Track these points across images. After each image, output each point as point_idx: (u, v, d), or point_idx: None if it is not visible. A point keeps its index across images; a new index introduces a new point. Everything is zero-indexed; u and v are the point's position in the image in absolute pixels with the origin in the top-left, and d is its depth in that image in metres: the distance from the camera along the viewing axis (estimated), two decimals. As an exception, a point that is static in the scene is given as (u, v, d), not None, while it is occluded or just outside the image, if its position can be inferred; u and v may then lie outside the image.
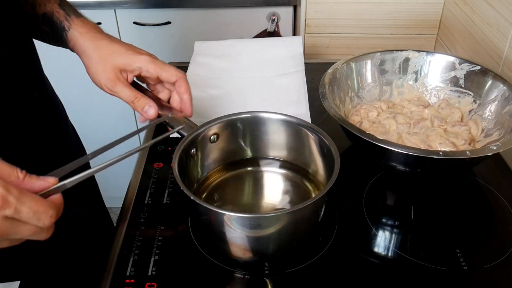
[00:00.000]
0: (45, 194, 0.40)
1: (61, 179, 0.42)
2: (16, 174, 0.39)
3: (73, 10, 0.65)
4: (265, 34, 1.36)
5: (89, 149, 0.80)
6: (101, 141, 0.81)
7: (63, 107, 0.73)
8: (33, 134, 0.60)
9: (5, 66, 0.55)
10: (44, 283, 0.61)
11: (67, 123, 0.74)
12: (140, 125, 0.63)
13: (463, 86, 0.78)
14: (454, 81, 0.79)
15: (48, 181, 0.41)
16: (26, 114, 0.59)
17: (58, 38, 0.65)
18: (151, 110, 0.62)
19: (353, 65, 0.80)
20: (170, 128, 0.63)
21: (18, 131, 0.58)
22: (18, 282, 0.57)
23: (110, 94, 0.63)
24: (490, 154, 0.59)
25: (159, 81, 0.66)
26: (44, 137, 0.63)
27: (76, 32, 0.63)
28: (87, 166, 0.69)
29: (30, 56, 0.63)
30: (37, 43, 0.66)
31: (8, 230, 0.37)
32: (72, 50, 0.65)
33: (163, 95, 0.68)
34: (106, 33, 0.65)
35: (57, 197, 0.41)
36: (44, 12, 0.64)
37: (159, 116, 0.64)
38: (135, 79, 0.65)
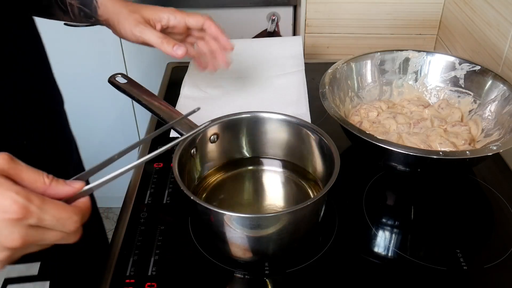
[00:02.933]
0: (72, 199, 0.40)
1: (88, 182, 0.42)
2: (42, 180, 0.39)
3: None
4: (265, 34, 1.36)
5: (85, 153, 0.80)
6: (98, 145, 0.81)
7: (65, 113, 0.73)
8: (33, 132, 0.60)
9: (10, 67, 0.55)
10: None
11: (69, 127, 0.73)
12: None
13: (463, 86, 0.78)
14: (454, 81, 0.79)
15: (74, 187, 0.41)
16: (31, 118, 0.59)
17: (87, 7, 0.68)
18: (181, 49, 0.66)
19: (353, 65, 0.80)
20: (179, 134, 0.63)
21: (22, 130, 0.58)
22: (38, 263, 0.57)
23: (137, 41, 0.67)
24: (490, 154, 0.59)
25: (187, 31, 0.71)
26: (44, 138, 0.63)
27: None
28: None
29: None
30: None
31: (34, 237, 0.37)
32: (98, 19, 0.69)
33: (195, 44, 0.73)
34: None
35: (83, 201, 0.41)
36: None
37: (165, 121, 0.64)
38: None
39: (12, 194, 0.35)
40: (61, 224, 0.38)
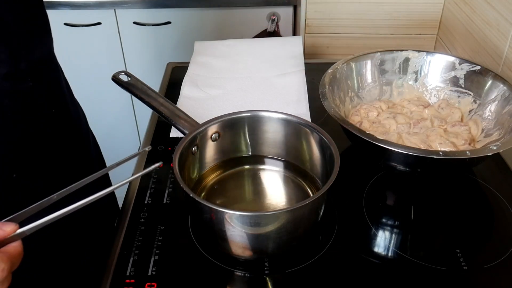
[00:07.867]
0: (2, 242, 0.37)
1: (22, 223, 0.39)
2: None
3: None
4: (265, 34, 1.36)
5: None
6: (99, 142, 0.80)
7: (85, 118, 0.73)
8: (52, 148, 0.59)
9: (23, 81, 0.54)
10: (43, 283, 0.61)
11: (88, 134, 0.73)
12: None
13: (463, 86, 0.78)
14: (454, 81, 0.79)
15: (5, 230, 0.37)
16: (44, 129, 0.58)
17: None
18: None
19: (353, 65, 0.80)
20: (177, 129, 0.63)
21: (36, 146, 0.56)
22: None
23: None
24: (490, 154, 0.59)
25: None
26: (63, 150, 0.62)
27: None
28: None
29: (49, 70, 0.62)
30: (59, 52, 0.65)
31: None
32: None
33: None
34: None
35: (14, 246, 0.38)
36: None
37: (167, 119, 0.64)
38: None
39: None
40: None
